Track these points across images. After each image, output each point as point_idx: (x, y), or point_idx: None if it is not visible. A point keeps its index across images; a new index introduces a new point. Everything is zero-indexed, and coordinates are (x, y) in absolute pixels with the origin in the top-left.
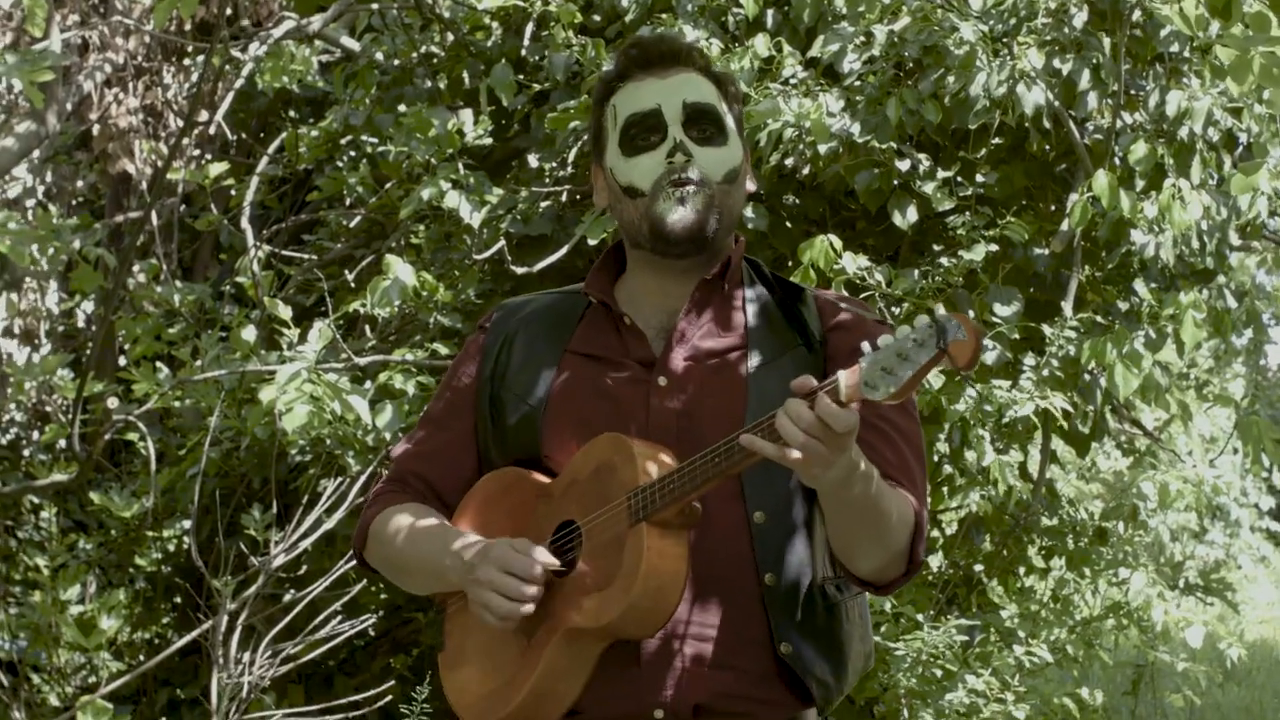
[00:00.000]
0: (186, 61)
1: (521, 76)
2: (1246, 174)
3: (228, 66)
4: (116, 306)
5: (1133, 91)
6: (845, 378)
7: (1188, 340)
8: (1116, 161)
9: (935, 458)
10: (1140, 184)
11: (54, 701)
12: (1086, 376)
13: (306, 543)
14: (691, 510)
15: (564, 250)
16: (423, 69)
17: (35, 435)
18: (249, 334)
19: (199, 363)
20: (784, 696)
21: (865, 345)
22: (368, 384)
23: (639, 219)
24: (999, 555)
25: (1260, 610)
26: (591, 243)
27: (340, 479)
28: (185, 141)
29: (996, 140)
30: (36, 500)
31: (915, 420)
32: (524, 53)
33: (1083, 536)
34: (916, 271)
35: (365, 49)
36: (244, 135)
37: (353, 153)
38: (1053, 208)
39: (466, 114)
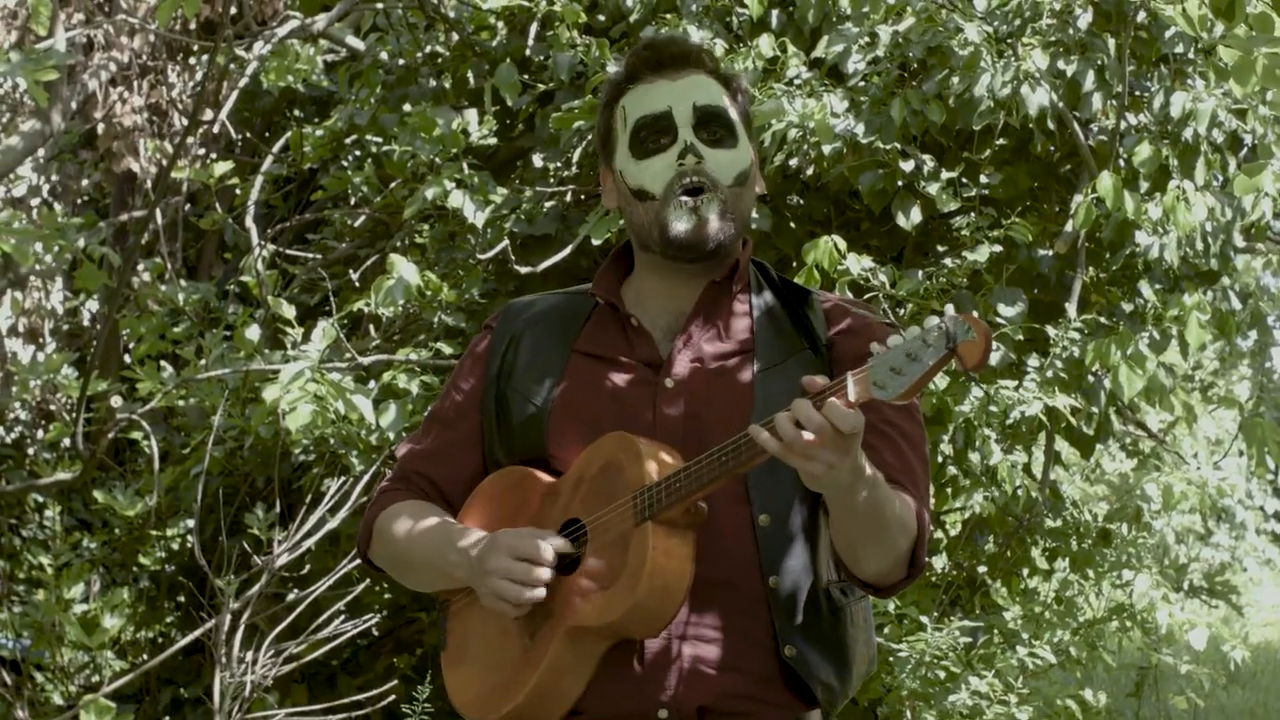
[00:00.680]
0: (191, 60)
1: (526, 76)
2: (1250, 175)
3: (232, 65)
4: (121, 305)
5: (1137, 93)
6: (854, 378)
7: (1192, 342)
8: (1121, 163)
9: (939, 459)
10: (1144, 185)
11: (57, 700)
12: (1091, 378)
13: (310, 542)
14: (697, 510)
15: (568, 250)
16: (427, 68)
17: (39, 434)
18: (253, 333)
19: (203, 362)
20: (788, 699)
21: (875, 345)
22: (372, 383)
23: (650, 223)
24: (1002, 556)
25: (1265, 613)
26: (595, 242)
27: (344, 478)
28: (190, 140)
29: (1001, 141)
30: (40, 499)
31: (920, 424)
32: (529, 52)
33: (1086, 538)
34: (921, 272)
35: (370, 48)
36: (249, 134)
37: (357, 152)
38: (1057, 209)
39: (471, 114)
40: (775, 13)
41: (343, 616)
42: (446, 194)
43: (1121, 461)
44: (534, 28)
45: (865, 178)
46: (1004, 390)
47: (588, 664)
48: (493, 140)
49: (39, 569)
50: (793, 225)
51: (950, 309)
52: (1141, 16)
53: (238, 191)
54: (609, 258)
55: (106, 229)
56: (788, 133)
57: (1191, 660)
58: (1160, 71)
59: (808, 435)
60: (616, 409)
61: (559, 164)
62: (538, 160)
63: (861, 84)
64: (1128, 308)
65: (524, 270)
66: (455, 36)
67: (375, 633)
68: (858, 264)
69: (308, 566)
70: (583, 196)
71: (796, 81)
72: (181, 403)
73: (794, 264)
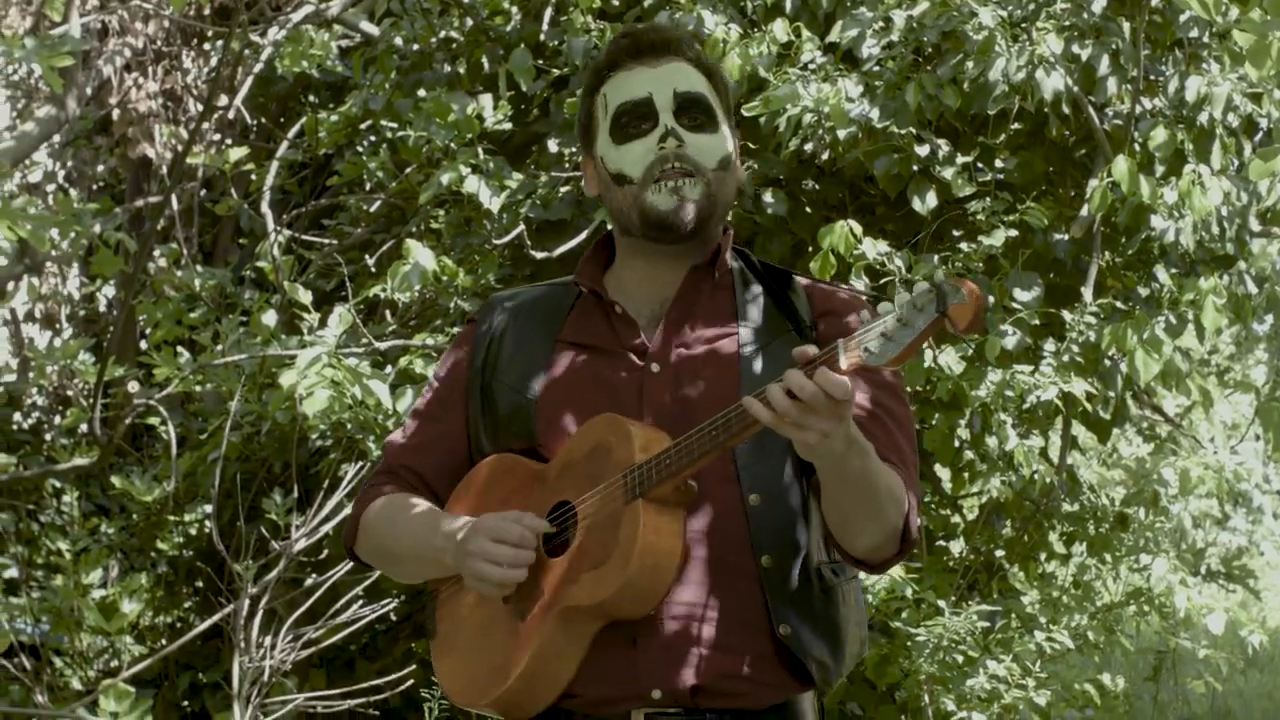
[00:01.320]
0: (206, 46)
1: (540, 61)
2: (1265, 159)
3: (247, 51)
4: (137, 291)
5: (1152, 77)
6: (845, 345)
7: (1208, 325)
8: (1136, 147)
9: (956, 443)
10: (1160, 169)
11: (76, 685)
12: (1107, 362)
13: (327, 527)
14: (687, 488)
15: (583, 235)
16: (442, 54)
17: (57, 419)
18: (269, 318)
19: (220, 347)
20: (782, 678)
21: (864, 313)
22: (388, 369)
23: (628, 206)
24: (1020, 541)
25: None
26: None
27: (361, 463)
28: (205, 126)
29: (1016, 126)
30: (58, 484)
31: (906, 405)
32: (543, 38)
33: (1104, 522)
34: (936, 257)
35: (384, 34)
36: (264, 120)
37: (372, 138)
38: (1072, 193)
39: (486, 99)
40: None
41: (361, 601)
42: (462, 179)
43: (1138, 446)
44: (548, 12)
45: (880, 162)
46: (1020, 375)
47: (579, 646)
48: (507, 125)
49: (57, 554)
50: (808, 210)
51: (939, 273)
52: (1155, 0)
53: (253, 177)
54: (591, 248)
55: (122, 215)
56: (803, 117)
57: (1209, 645)
58: (1175, 56)
59: (797, 405)
60: (604, 396)
61: (574, 149)
62: (553, 145)
63: (876, 68)
64: (1143, 292)
65: (539, 255)
66: (469, 21)
67: (393, 617)
68: (873, 248)
69: (326, 551)
70: None
71: (811, 66)
72: (198, 388)
73: (810, 248)
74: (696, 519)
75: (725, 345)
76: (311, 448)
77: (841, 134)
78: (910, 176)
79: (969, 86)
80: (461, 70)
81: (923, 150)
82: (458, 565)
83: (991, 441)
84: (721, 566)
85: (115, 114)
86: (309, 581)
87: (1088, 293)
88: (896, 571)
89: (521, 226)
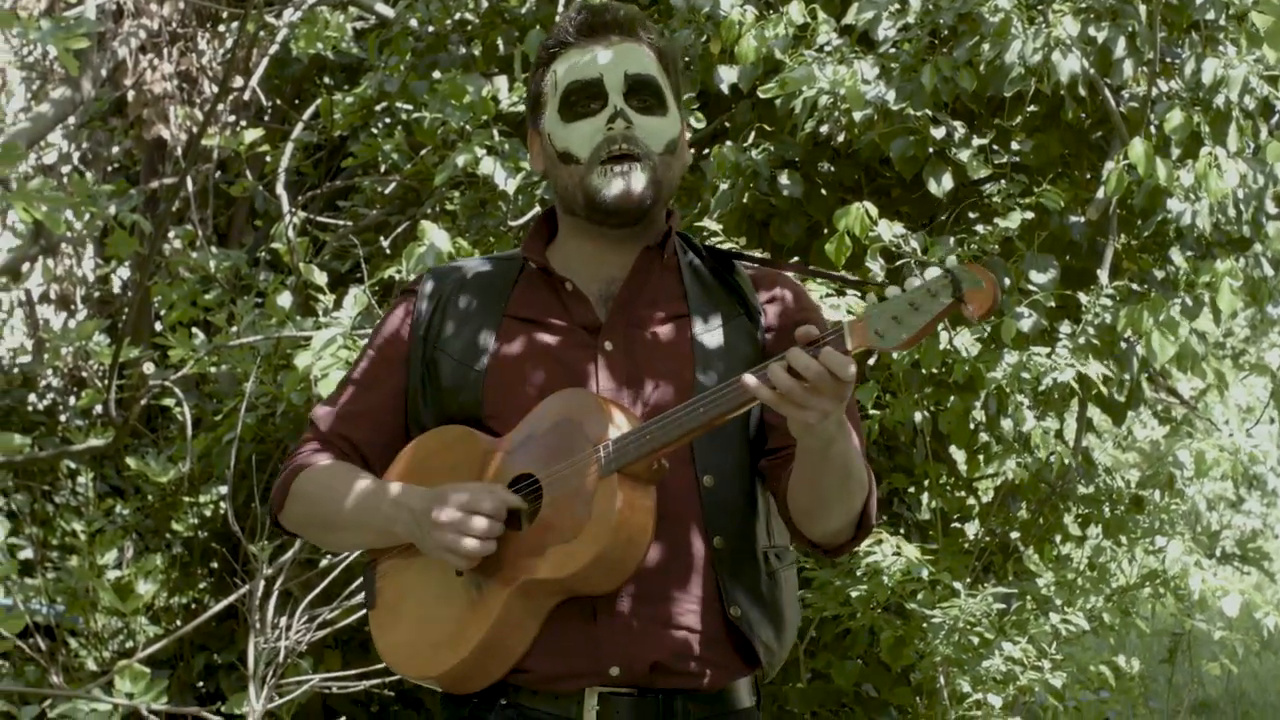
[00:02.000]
0: (221, 27)
1: None
2: None
3: (262, 33)
4: (152, 272)
5: (1168, 59)
6: (851, 326)
7: (1224, 308)
8: (1152, 129)
9: (971, 426)
10: (1176, 152)
11: (91, 666)
12: (1123, 344)
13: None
14: (660, 465)
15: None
16: (457, 35)
17: (71, 400)
18: (284, 300)
19: (235, 329)
20: (731, 659)
21: (871, 298)
22: None
23: (574, 186)
24: (1035, 523)
25: None
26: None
27: None
28: (220, 108)
29: (1032, 108)
30: (73, 465)
31: (855, 403)
32: (558, 19)
33: (1119, 505)
34: (952, 239)
35: (400, 15)
36: (279, 101)
37: (387, 119)
38: (1088, 175)
39: (501, 80)
40: None
41: None
42: (477, 161)
43: (1153, 429)
44: None
45: (896, 144)
46: (1036, 357)
47: (535, 620)
48: (523, 107)
49: (72, 535)
50: (824, 192)
51: (953, 259)
52: None
53: (268, 159)
54: (534, 222)
55: (137, 196)
56: (819, 99)
57: (1225, 627)
58: (1191, 38)
59: (800, 384)
60: (557, 371)
61: None
62: None
63: (892, 50)
64: (1159, 275)
65: None
66: (485, 3)
67: None
68: (889, 231)
69: None
70: None
71: (827, 48)
72: (213, 369)
73: (825, 230)
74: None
75: (677, 328)
76: None
77: (857, 116)
78: (926, 159)
79: (985, 69)
80: (477, 52)
81: (939, 132)
82: (416, 536)
83: (1007, 424)
84: (676, 546)
85: (130, 95)
86: (324, 562)
87: (1104, 275)
88: (912, 553)
89: (537, 208)
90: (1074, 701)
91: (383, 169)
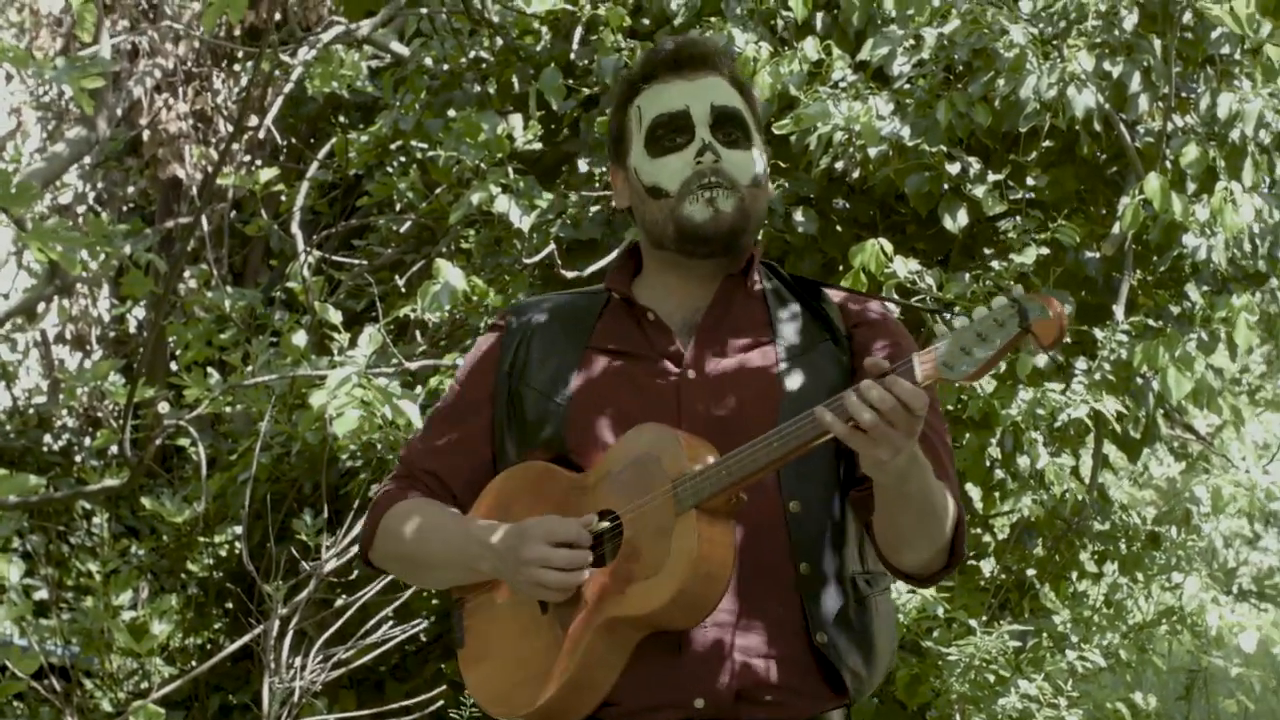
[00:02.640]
0: (236, 66)
1: (570, 81)
2: None
3: (277, 71)
4: (167, 312)
5: (1184, 94)
6: (920, 358)
7: (1240, 343)
8: (1168, 164)
9: (987, 462)
10: (1192, 187)
11: (106, 707)
12: (1139, 380)
13: (358, 547)
14: (738, 499)
15: (614, 254)
16: (472, 74)
17: (87, 441)
18: (299, 339)
19: (250, 368)
20: (818, 687)
21: (940, 327)
22: (418, 389)
23: (664, 219)
24: (1051, 560)
25: None
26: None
27: None
28: (235, 147)
29: (1047, 143)
30: (88, 506)
31: (941, 418)
32: (573, 57)
33: (1135, 541)
34: (967, 275)
35: (414, 54)
36: (294, 140)
37: (402, 158)
38: (1104, 211)
39: (516, 119)
40: (820, 15)
41: (391, 622)
42: (492, 199)
43: (1169, 466)
44: (578, 32)
45: (911, 180)
46: (1051, 393)
47: (621, 655)
48: (538, 145)
49: (87, 576)
50: (839, 228)
51: (1019, 288)
52: (1187, 17)
53: (283, 198)
54: (619, 258)
55: (152, 235)
56: (833, 135)
57: (1242, 663)
58: (1206, 73)
59: (873, 416)
60: (640, 402)
61: (604, 168)
62: (583, 165)
63: (907, 86)
64: (1175, 310)
65: (570, 275)
66: (499, 41)
67: (423, 638)
68: (904, 267)
69: (355, 572)
70: None
71: (842, 84)
72: (228, 409)
73: (840, 267)
74: (738, 526)
75: (761, 355)
76: (341, 468)
77: (872, 152)
78: (941, 195)
79: (1000, 104)
80: (491, 90)
81: (954, 168)
82: (505, 573)
83: (1023, 460)
84: (760, 573)
85: (145, 135)
86: (339, 602)
87: (1119, 310)
88: (928, 591)
89: (552, 246)
90: None
91: (398, 207)
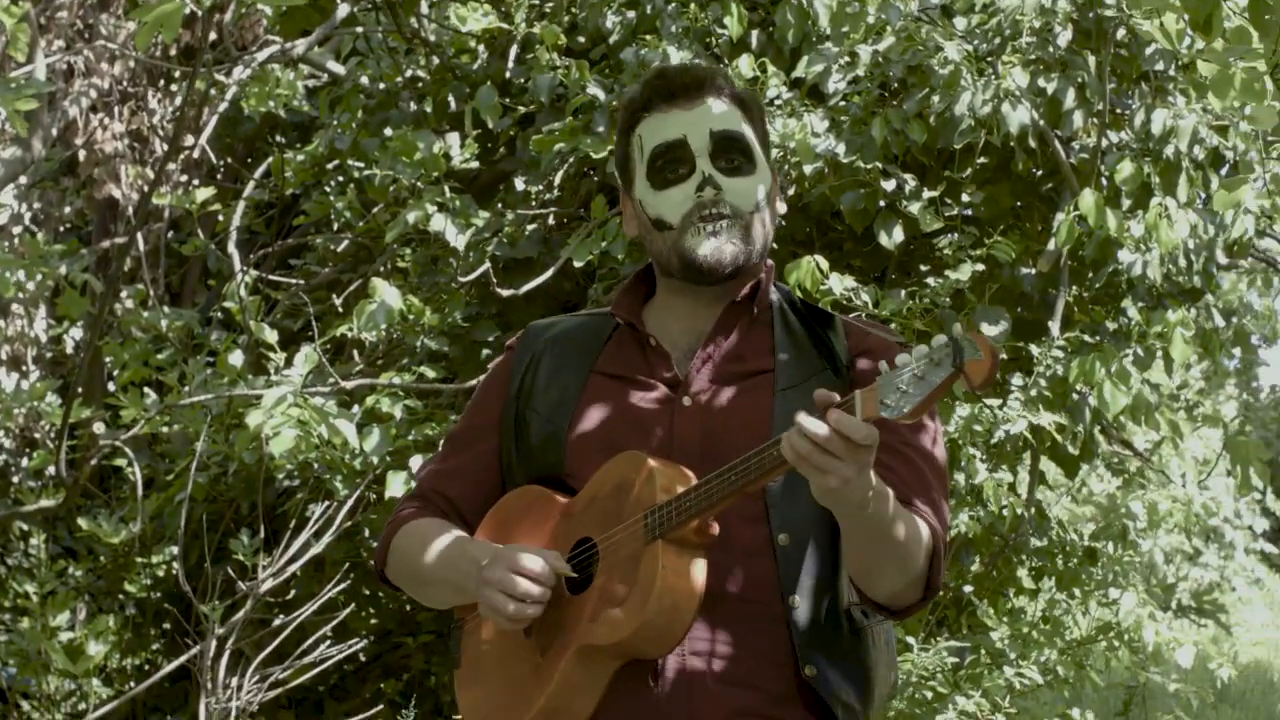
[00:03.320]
0: (171, 86)
1: (507, 99)
2: (1229, 189)
3: (212, 91)
4: (104, 332)
5: (1118, 110)
6: (862, 396)
7: (1176, 358)
8: (1103, 180)
9: None
10: (1127, 203)
11: None
12: (1075, 396)
13: (294, 567)
14: (708, 529)
15: (550, 273)
16: (408, 92)
17: (23, 461)
18: (236, 359)
19: (186, 388)
20: (805, 717)
21: (883, 364)
22: (355, 408)
23: (668, 251)
24: (989, 576)
25: (1254, 632)
26: (578, 265)
27: (327, 503)
28: (171, 166)
29: (982, 160)
30: (25, 527)
31: (937, 442)
32: (509, 75)
33: (1072, 557)
34: (903, 292)
35: (350, 73)
36: (230, 160)
37: (339, 177)
38: (1039, 227)
39: (452, 137)
40: (755, 33)
41: (328, 641)
42: (428, 218)
43: (1109, 482)
44: (514, 50)
45: (847, 197)
46: (988, 409)
47: (598, 683)
48: (474, 164)
49: (24, 597)
50: (774, 245)
51: (958, 327)
52: (1121, 34)
53: (220, 217)
54: (630, 279)
55: (89, 256)
56: None
57: (1180, 679)
58: (1141, 89)
59: (811, 448)
60: (634, 429)
61: (540, 187)
62: (519, 183)
63: (842, 103)
64: (1111, 326)
65: (506, 293)
66: (435, 60)
67: (362, 658)
68: (840, 284)
69: (293, 591)
70: (564, 219)
71: (777, 102)
72: (165, 429)
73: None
74: (725, 557)
75: (760, 382)
76: (278, 488)
77: (808, 169)
78: (877, 211)
79: (935, 121)
80: (428, 109)
81: (889, 185)
82: (475, 593)
83: (960, 477)
84: (748, 605)
85: (81, 155)
86: (276, 622)
87: (1055, 326)
88: None
89: (488, 264)
90: None
91: (335, 227)
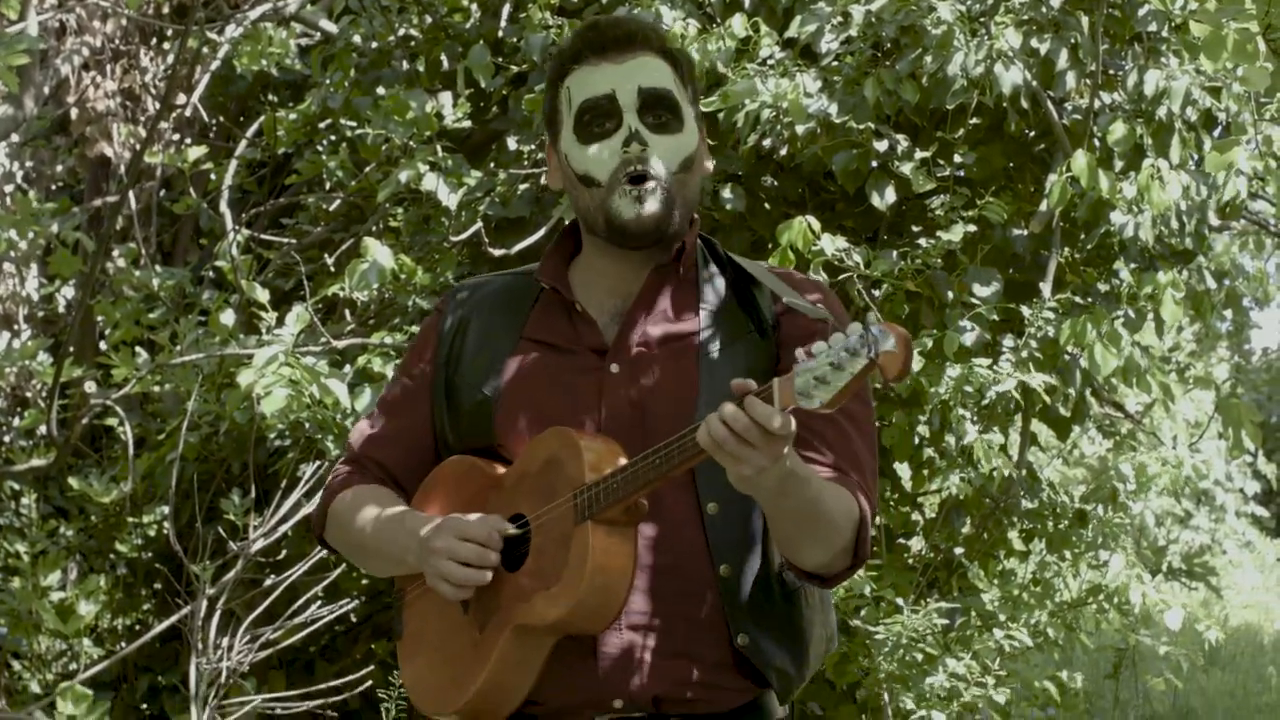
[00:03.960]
0: (164, 45)
1: (499, 59)
2: (1222, 151)
3: (204, 49)
4: (95, 291)
5: (1111, 71)
6: (780, 385)
7: (1168, 319)
8: (1095, 142)
9: (916, 440)
10: (1119, 164)
11: (34, 688)
12: (1066, 357)
13: (286, 527)
14: (638, 507)
15: (541, 232)
16: (400, 51)
17: (14, 420)
18: (228, 318)
19: (178, 347)
20: (742, 683)
21: (799, 352)
22: (346, 367)
23: (595, 209)
24: (979, 538)
25: (1244, 595)
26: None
27: (319, 463)
28: (163, 125)
29: (975, 120)
30: (16, 486)
31: (868, 404)
32: (501, 34)
33: (1063, 519)
34: (895, 253)
35: (343, 31)
36: (223, 119)
37: (331, 136)
38: (1032, 188)
39: (445, 96)
40: None
41: (320, 602)
42: (420, 177)
43: (1100, 445)
44: (506, 9)
45: (839, 158)
46: (978, 369)
47: (536, 658)
48: (466, 123)
49: (15, 557)
50: (767, 206)
51: (872, 316)
52: None
53: (212, 176)
54: (556, 239)
55: (81, 214)
56: (761, 113)
57: (1169, 642)
58: (1134, 50)
59: (727, 435)
60: (563, 397)
61: (532, 146)
62: (511, 143)
63: (835, 64)
64: (1103, 288)
65: (498, 253)
66: (428, 19)
67: (353, 618)
68: (832, 244)
69: (284, 552)
70: None
71: (769, 61)
72: (157, 388)
73: (769, 245)
74: (654, 527)
75: (686, 345)
76: (270, 447)
77: (800, 129)
78: (869, 172)
79: (927, 81)
80: (420, 68)
81: (881, 145)
82: (420, 563)
83: (951, 438)
84: (679, 575)
85: (73, 113)
86: (267, 582)
87: (1046, 288)
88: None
89: (480, 224)
90: (1019, 718)
91: (327, 186)
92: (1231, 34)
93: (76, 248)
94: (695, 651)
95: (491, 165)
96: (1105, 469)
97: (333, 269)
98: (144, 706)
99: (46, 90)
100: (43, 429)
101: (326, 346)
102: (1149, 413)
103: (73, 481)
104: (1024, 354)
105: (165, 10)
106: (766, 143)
